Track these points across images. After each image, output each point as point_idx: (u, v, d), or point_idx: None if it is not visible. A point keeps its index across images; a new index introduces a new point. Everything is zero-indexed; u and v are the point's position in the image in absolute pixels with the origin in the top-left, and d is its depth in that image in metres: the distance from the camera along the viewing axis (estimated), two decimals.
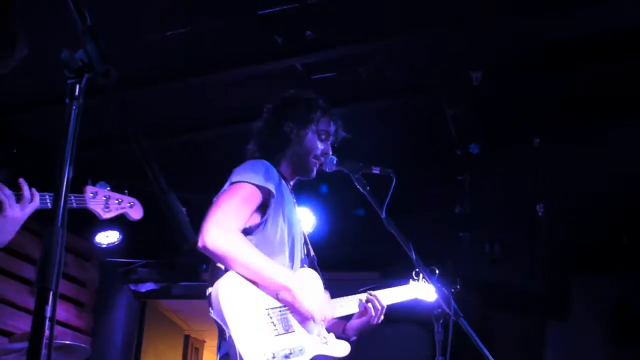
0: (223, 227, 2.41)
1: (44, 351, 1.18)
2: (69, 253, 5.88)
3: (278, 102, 2.94)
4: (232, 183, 2.56)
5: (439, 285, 2.52)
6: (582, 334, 5.36)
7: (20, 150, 4.91)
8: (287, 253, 2.65)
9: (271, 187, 2.58)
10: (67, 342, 3.77)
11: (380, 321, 2.80)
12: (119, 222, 5.92)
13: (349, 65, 4.23)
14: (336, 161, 2.80)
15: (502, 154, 5.10)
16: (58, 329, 5.48)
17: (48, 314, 1.19)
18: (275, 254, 2.58)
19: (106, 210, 2.59)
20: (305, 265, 2.77)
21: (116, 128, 4.29)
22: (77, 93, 1.32)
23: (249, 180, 2.54)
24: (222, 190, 2.59)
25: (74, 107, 1.31)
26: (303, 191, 3.07)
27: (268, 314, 2.43)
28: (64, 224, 1.25)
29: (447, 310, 2.41)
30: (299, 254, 2.73)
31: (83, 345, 3.87)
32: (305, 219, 5.06)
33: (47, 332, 1.19)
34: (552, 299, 5.53)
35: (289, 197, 2.77)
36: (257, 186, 2.55)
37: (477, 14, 3.79)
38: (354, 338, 2.79)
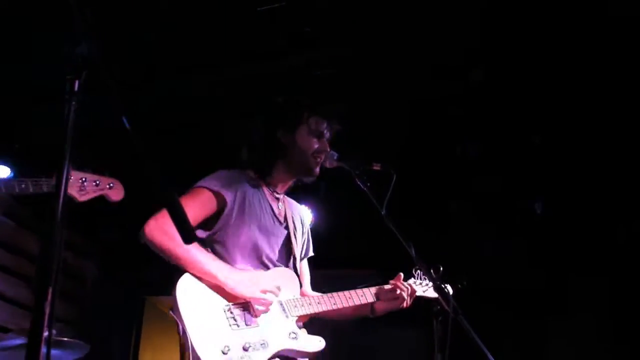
0: (161, 220, 2.49)
1: (42, 347, 1.17)
2: (68, 249, 5.86)
3: (265, 111, 2.95)
4: (192, 188, 2.67)
5: (438, 282, 2.49)
6: (581, 333, 5.36)
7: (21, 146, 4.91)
8: (255, 258, 2.68)
9: (228, 195, 2.65)
10: (66, 338, 3.75)
11: (410, 305, 2.90)
12: (122, 220, 5.92)
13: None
14: (337, 157, 2.80)
15: (502, 152, 5.09)
16: (56, 325, 5.47)
17: (47, 310, 1.19)
18: (238, 259, 2.64)
19: (82, 192, 2.50)
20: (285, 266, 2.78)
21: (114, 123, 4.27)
22: (76, 89, 1.31)
23: (205, 185, 2.66)
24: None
25: (72, 104, 1.30)
26: (300, 188, 3.05)
27: (229, 309, 2.49)
28: (63, 221, 1.24)
29: (446, 307, 2.40)
30: (274, 258, 2.74)
31: (81, 341, 3.85)
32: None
33: (45, 329, 1.19)
34: (552, 298, 5.54)
35: (264, 205, 2.77)
36: (213, 192, 2.64)
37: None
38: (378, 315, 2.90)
